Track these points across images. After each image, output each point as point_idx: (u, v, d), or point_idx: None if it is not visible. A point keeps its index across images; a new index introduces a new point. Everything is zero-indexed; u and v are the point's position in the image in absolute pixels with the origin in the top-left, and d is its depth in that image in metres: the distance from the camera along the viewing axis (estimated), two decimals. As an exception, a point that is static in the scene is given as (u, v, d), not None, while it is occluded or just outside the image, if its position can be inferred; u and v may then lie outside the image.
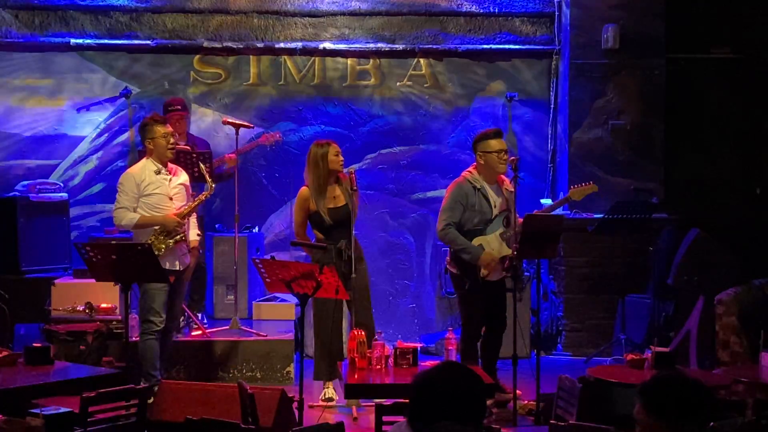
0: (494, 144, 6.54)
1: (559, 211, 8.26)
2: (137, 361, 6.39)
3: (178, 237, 6.47)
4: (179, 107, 7.95)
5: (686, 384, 2.92)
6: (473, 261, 6.45)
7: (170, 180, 6.58)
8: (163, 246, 6.38)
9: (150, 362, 6.44)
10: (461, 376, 2.94)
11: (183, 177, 6.72)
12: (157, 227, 6.44)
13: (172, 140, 6.52)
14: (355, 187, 6.50)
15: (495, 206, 6.56)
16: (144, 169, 6.54)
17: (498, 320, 6.61)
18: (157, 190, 6.51)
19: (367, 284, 6.72)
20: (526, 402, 6.39)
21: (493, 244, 6.51)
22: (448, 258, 6.71)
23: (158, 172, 6.54)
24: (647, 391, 2.91)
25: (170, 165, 6.66)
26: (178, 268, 6.50)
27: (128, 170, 6.76)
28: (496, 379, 6.48)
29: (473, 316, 6.61)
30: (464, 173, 6.67)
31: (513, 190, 6.46)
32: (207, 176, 6.73)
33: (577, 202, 7.29)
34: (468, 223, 6.52)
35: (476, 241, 6.51)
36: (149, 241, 6.26)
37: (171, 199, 6.55)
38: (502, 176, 6.72)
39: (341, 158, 6.63)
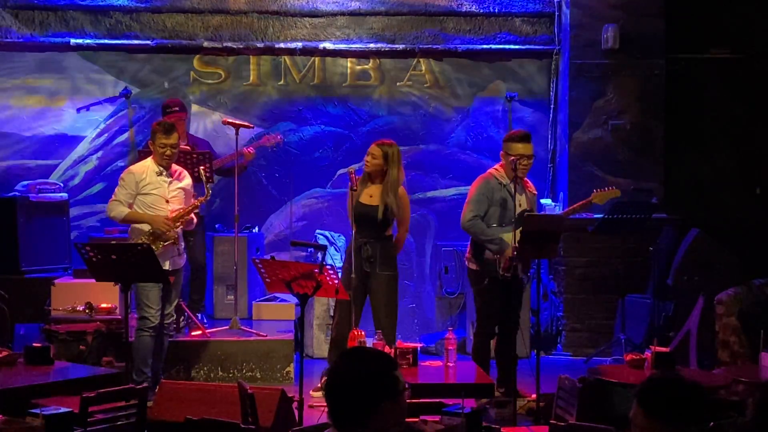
0: (517, 147, 6.50)
1: (557, 210, 8.30)
2: (131, 357, 6.39)
3: (170, 240, 6.49)
4: (177, 108, 7.93)
5: (683, 385, 2.91)
6: (498, 253, 6.43)
7: (170, 183, 6.63)
8: (154, 248, 6.38)
9: (142, 359, 6.47)
10: (359, 360, 2.97)
11: (185, 181, 6.75)
12: (149, 229, 6.48)
13: (168, 152, 6.52)
14: (355, 188, 6.52)
15: (520, 204, 6.56)
16: (146, 168, 6.61)
17: (511, 319, 6.61)
18: (155, 191, 6.57)
19: (386, 291, 6.66)
20: (527, 402, 6.39)
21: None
22: (467, 254, 6.70)
23: (159, 174, 6.60)
24: (645, 393, 2.91)
25: (175, 168, 6.70)
26: (167, 269, 6.50)
27: (132, 167, 6.84)
28: (513, 382, 6.43)
29: (489, 313, 6.59)
30: (491, 170, 6.69)
31: (536, 192, 6.65)
32: (205, 182, 6.78)
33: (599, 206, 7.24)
34: (491, 219, 6.53)
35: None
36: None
37: (167, 201, 6.60)
38: (526, 179, 6.73)
39: (368, 158, 6.63)
